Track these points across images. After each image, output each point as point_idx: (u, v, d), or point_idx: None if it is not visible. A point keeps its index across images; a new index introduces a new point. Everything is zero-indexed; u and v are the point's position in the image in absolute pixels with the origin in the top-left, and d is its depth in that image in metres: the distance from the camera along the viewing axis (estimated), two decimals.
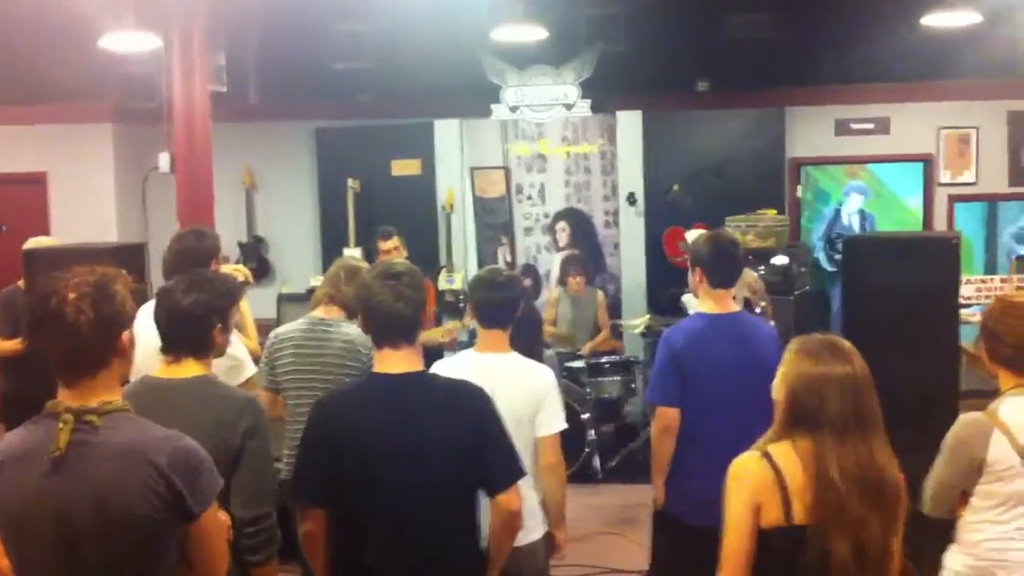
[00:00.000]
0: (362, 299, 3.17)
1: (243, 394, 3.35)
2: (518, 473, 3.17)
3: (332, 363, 4.41)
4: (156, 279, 5.14)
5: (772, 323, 6.01)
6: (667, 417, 4.32)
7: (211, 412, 3.08)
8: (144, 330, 3.48)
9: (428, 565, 3.05)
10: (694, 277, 4.44)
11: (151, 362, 3.28)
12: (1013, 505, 3.38)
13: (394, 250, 6.58)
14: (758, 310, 5.85)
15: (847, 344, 2.86)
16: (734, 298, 4.57)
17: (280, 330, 4.66)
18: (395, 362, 3.11)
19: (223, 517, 2.68)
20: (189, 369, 3.17)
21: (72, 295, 2.40)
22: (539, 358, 5.13)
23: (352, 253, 8.72)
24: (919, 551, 3.75)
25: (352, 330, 4.46)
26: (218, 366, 4.05)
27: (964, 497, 3.47)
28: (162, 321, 3.23)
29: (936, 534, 3.62)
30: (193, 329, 3.19)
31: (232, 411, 3.10)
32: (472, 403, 3.14)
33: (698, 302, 4.50)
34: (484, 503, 3.21)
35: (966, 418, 3.47)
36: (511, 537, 3.28)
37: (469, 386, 3.22)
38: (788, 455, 2.76)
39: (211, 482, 2.54)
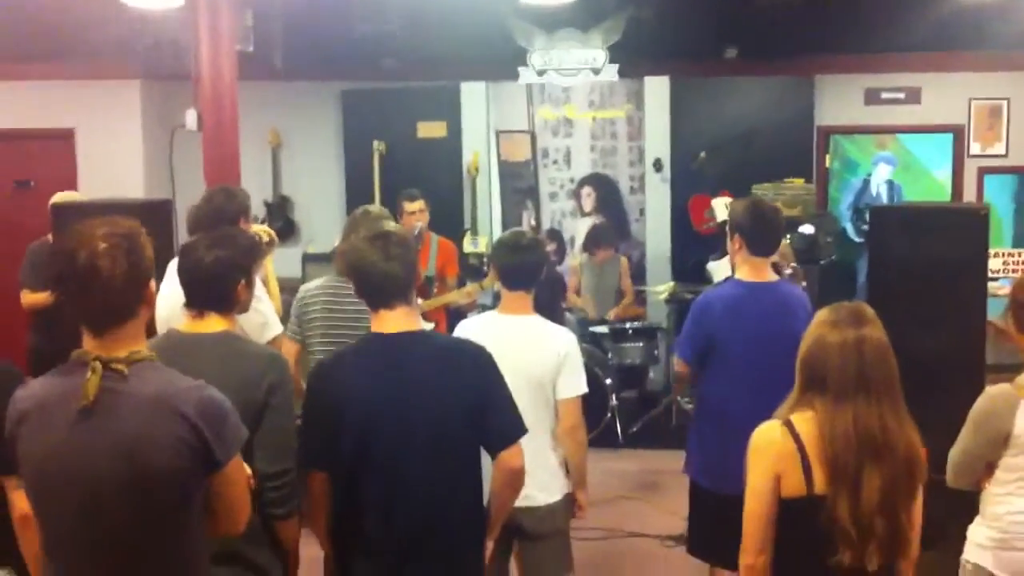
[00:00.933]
0: (352, 263, 3.16)
1: (267, 350, 3.37)
2: (519, 431, 3.16)
3: (356, 319, 4.41)
4: (183, 235, 5.17)
5: (804, 284, 5.99)
6: (682, 369, 4.50)
7: (235, 368, 3.09)
8: (171, 286, 3.52)
9: (426, 523, 3.04)
10: (733, 244, 4.41)
11: (178, 317, 3.31)
12: None
13: (419, 212, 6.57)
14: (788, 271, 5.81)
15: (870, 311, 2.87)
16: None
17: (310, 285, 4.68)
18: (392, 322, 3.10)
19: (246, 468, 2.71)
20: (213, 324, 3.19)
21: (103, 246, 2.42)
22: (561, 322, 5.14)
23: None
24: (944, 524, 3.74)
25: None
26: (248, 323, 4.09)
27: (989, 469, 3.46)
28: (185, 278, 3.24)
29: (961, 507, 3.62)
30: (216, 285, 3.20)
31: (256, 367, 3.11)
32: (471, 361, 3.13)
33: (736, 269, 4.47)
34: (487, 462, 3.20)
35: (993, 390, 3.45)
36: (514, 495, 3.28)
37: (468, 344, 3.23)
38: (809, 424, 2.77)
39: (236, 431, 2.56)
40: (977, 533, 3.52)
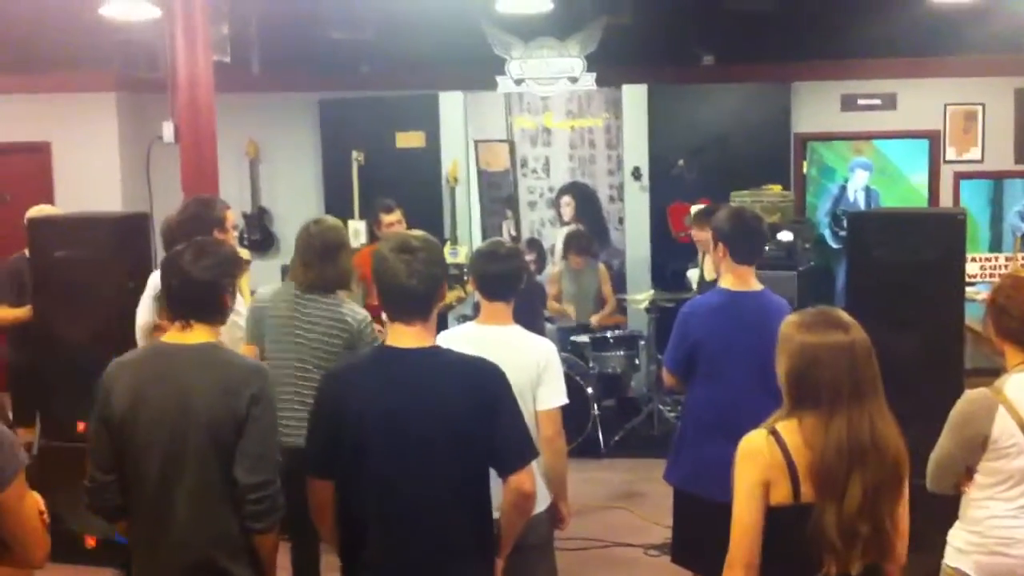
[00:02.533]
0: (376, 272, 3.12)
1: (250, 362, 3.37)
2: (530, 455, 3.12)
3: (314, 333, 4.41)
4: (161, 249, 5.14)
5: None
6: (670, 380, 4.56)
7: (218, 378, 3.09)
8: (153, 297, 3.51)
9: (427, 540, 3.01)
10: (717, 252, 4.41)
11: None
12: (1017, 482, 3.37)
13: (397, 223, 6.57)
14: None
15: (842, 314, 2.85)
16: None
17: (266, 291, 4.63)
18: (406, 337, 3.06)
19: (35, 497, 2.65)
20: (198, 335, 3.17)
21: None
22: (541, 332, 5.13)
23: (356, 226, 8.72)
24: (923, 529, 3.74)
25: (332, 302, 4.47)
26: (227, 336, 4.08)
27: (969, 473, 3.47)
28: (171, 288, 3.22)
29: (940, 512, 3.62)
30: (203, 295, 3.18)
31: (238, 378, 3.10)
32: (485, 380, 3.07)
33: (721, 277, 4.48)
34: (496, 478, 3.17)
35: (971, 394, 3.46)
36: (523, 518, 3.24)
37: (483, 362, 3.14)
38: (795, 433, 2.76)
39: (10, 460, 2.52)
40: (957, 537, 3.53)
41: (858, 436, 2.71)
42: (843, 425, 2.71)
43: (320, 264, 4.43)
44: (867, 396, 2.74)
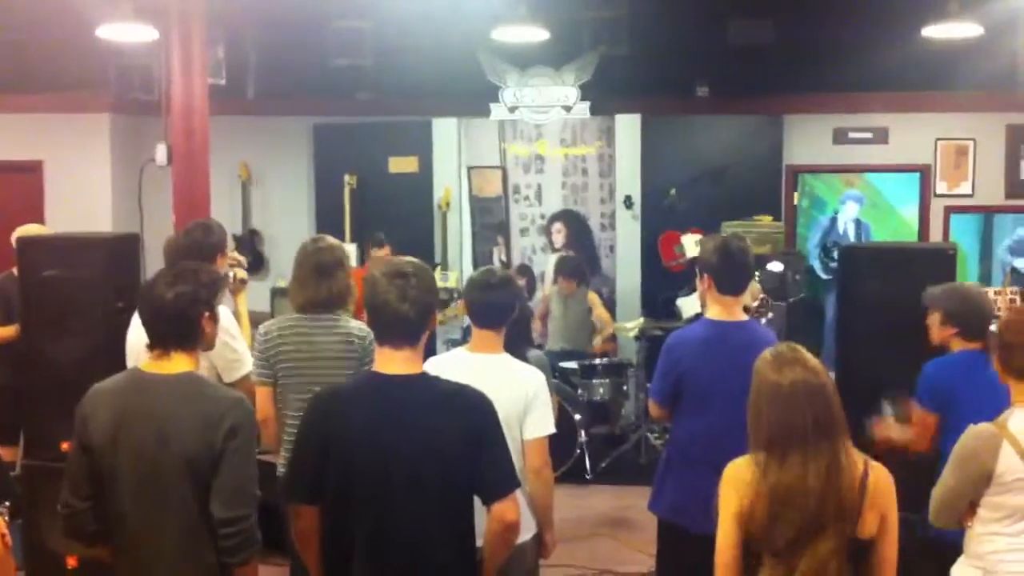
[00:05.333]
0: (367, 296, 3.11)
1: (231, 393, 3.26)
2: (513, 484, 3.11)
3: (328, 356, 4.36)
4: (150, 271, 5.12)
5: (771, 315, 6.00)
6: (657, 412, 4.51)
7: (196, 410, 3.05)
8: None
9: (413, 566, 3.00)
10: (702, 283, 4.39)
11: (145, 353, 3.26)
12: (1021, 517, 3.37)
13: (386, 257, 6.58)
14: (755, 303, 5.83)
15: (798, 354, 2.89)
16: None
17: (272, 324, 4.56)
18: (394, 363, 3.06)
19: None
20: (177, 364, 3.14)
21: None
22: (523, 358, 5.09)
23: (347, 250, 8.70)
24: (921, 563, 3.73)
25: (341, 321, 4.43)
26: (221, 359, 4.03)
27: (972, 508, 3.45)
28: (147, 316, 3.18)
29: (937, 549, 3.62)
30: (178, 323, 3.14)
31: (217, 410, 3.05)
32: (471, 408, 3.07)
33: (707, 308, 4.46)
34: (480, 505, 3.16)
35: (976, 429, 3.45)
36: (506, 547, 3.22)
37: (470, 391, 3.13)
38: None
39: None
40: (961, 572, 3.51)
41: (783, 481, 2.74)
42: (760, 471, 2.77)
43: (316, 283, 4.40)
44: (797, 441, 2.76)
